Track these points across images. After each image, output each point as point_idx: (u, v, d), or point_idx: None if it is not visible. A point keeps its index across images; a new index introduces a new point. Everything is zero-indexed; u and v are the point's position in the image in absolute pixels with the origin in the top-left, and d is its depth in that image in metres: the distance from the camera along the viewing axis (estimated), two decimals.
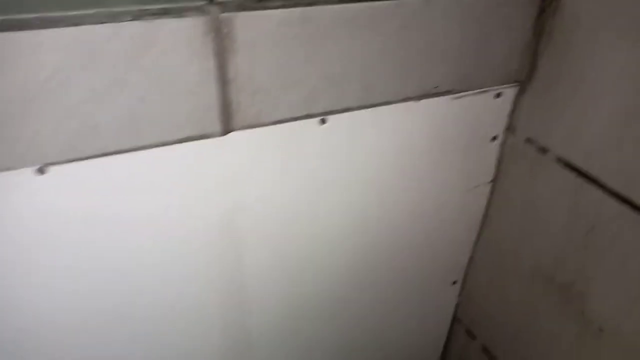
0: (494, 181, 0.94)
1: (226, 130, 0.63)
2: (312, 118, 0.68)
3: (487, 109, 0.84)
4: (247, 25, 0.57)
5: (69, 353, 0.73)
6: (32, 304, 0.66)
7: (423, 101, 0.76)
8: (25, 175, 0.56)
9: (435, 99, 0.77)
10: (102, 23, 0.50)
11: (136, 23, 0.52)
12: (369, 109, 0.72)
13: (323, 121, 0.70)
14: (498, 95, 0.83)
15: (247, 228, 0.74)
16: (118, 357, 0.78)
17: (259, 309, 0.86)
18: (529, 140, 0.85)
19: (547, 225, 0.85)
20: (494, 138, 0.89)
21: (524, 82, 0.83)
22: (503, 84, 0.82)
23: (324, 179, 0.76)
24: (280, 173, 0.72)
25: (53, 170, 0.57)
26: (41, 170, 0.57)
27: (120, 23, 0.51)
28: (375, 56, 0.67)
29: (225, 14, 0.55)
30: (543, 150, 0.83)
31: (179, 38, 0.54)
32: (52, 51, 0.49)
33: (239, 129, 0.64)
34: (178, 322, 0.79)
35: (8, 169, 0.54)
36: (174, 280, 0.73)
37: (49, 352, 0.71)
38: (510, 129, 0.88)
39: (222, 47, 0.57)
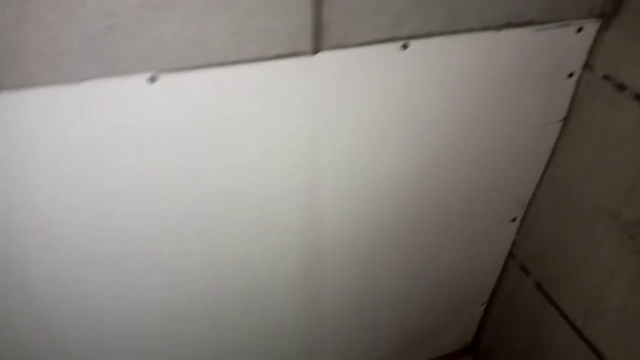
0: (566, 119, 0.94)
1: (316, 49, 0.67)
2: (396, 42, 0.71)
3: (566, 44, 0.84)
4: None
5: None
6: (149, 204, 0.74)
7: (503, 32, 0.76)
8: (137, 83, 0.62)
9: (516, 30, 0.77)
10: None
11: None
12: (450, 37, 0.74)
13: (405, 47, 0.73)
14: (579, 29, 0.82)
15: (326, 147, 0.79)
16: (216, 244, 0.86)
17: (331, 229, 0.91)
18: (606, 77, 0.85)
19: (619, 162, 0.86)
20: (571, 75, 0.88)
21: (608, 16, 0.81)
22: (586, 18, 0.81)
23: (401, 105, 0.79)
24: (360, 96, 0.75)
25: (163, 78, 0.62)
26: (152, 79, 0.62)
27: None
28: None
29: None
30: (621, 87, 0.82)
31: None
32: None
33: (327, 49, 0.68)
34: (260, 225, 0.86)
35: (125, 73, 0.60)
36: (261, 186, 0.79)
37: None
38: (588, 65, 0.87)
39: None
